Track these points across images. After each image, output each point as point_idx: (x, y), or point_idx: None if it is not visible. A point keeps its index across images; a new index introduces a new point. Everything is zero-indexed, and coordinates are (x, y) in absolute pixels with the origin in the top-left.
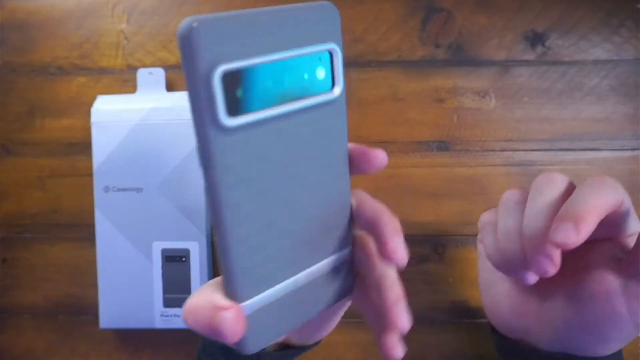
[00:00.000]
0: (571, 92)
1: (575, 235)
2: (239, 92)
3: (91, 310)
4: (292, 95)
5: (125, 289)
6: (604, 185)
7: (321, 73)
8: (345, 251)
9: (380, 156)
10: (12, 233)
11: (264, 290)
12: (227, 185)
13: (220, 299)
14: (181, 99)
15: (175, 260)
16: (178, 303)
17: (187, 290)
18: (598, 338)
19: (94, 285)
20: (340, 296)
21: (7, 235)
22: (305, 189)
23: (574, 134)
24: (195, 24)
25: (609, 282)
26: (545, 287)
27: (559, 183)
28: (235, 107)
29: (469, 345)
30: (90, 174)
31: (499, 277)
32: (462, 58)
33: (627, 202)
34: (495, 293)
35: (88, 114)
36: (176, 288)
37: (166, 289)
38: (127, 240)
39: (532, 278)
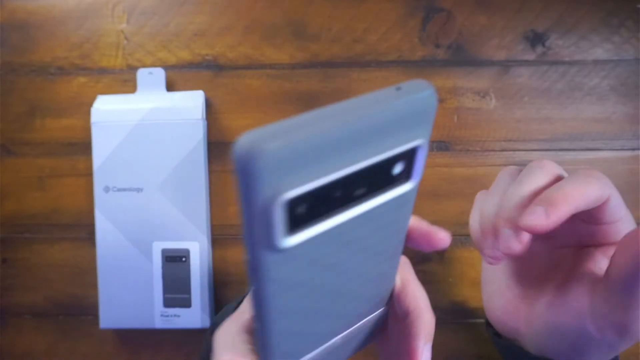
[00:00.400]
0: (571, 92)
1: (544, 220)
2: (301, 210)
3: (91, 310)
4: (359, 198)
5: (125, 289)
6: (588, 178)
7: (398, 168)
8: (382, 310)
9: (443, 240)
10: (12, 233)
11: (299, 359)
12: (273, 293)
13: None
14: (181, 99)
15: (175, 260)
16: (178, 303)
17: (187, 291)
18: (574, 352)
19: (94, 285)
20: (368, 342)
21: (7, 235)
22: (353, 276)
23: (574, 134)
24: (255, 150)
25: (581, 298)
26: (534, 291)
27: (548, 170)
28: (294, 226)
29: (469, 345)
30: (90, 174)
31: (496, 275)
32: (462, 58)
33: (615, 199)
34: (492, 290)
35: (88, 114)
36: (176, 288)
37: (166, 289)
38: (127, 240)
39: (498, 255)
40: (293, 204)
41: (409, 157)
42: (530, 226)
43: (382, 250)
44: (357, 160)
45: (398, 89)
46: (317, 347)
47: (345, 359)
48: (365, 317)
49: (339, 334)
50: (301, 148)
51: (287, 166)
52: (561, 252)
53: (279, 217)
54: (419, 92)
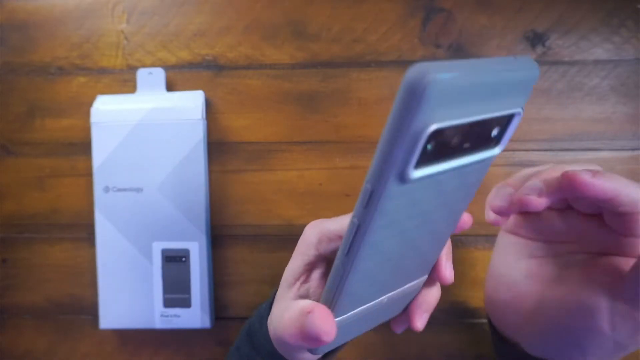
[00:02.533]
0: (571, 92)
1: (589, 177)
2: (430, 147)
3: (91, 310)
4: (465, 150)
5: (125, 289)
6: (634, 182)
7: (495, 132)
8: (424, 277)
9: (467, 222)
10: (12, 233)
11: (355, 309)
12: (377, 226)
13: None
14: (181, 99)
15: (175, 260)
16: (178, 303)
17: (187, 291)
18: (577, 349)
19: (94, 285)
20: (398, 312)
21: (7, 235)
22: (429, 229)
23: (574, 134)
24: (430, 78)
25: (599, 297)
26: (545, 288)
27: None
28: (421, 161)
29: (469, 345)
30: (90, 174)
31: (506, 269)
32: (462, 58)
33: (627, 199)
34: (498, 284)
35: (88, 114)
36: (176, 288)
37: (166, 289)
38: (127, 240)
39: (509, 206)
40: (431, 138)
41: (505, 122)
42: (576, 178)
43: (454, 211)
44: (483, 112)
45: (515, 58)
46: (370, 301)
47: (378, 323)
48: (414, 281)
49: (391, 291)
50: (459, 87)
51: (444, 100)
52: (582, 256)
53: (420, 147)
54: (532, 64)
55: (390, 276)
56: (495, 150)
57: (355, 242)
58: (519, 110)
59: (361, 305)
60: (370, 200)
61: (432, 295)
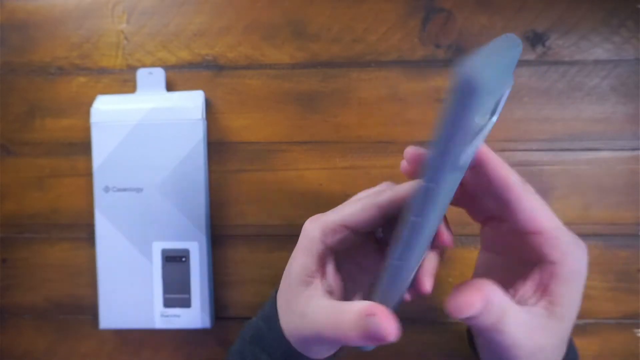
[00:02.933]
0: (571, 92)
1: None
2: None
3: (91, 310)
4: (475, 128)
5: (125, 289)
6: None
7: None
8: (426, 254)
9: (447, 240)
10: (12, 233)
11: (396, 300)
12: (432, 219)
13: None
14: (181, 99)
15: (175, 260)
16: (178, 303)
17: (187, 290)
18: None
19: (94, 285)
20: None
21: (7, 235)
22: (442, 207)
23: (574, 134)
24: (484, 74)
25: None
26: None
27: None
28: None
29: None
30: (90, 174)
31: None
32: (462, 58)
33: (534, 201)
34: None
35: (88, 114)
36: (176, 288)
37: (166, 289)
38: (127, 240)
39: None
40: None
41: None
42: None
43: (453, 189)
44: (501, 91)
45: (506, 36)
46: (405, 289)
47: (398, 303)
48: (422, 259)
49: (413, 273)
50: (493, 73)
51: (487, 89)
52: (520, 268)
53: (473, 137)
54: (515, 39)
55: (417, 263)
56: (493, 120)
57: (413, 240)
58: (512, 82)
59: (402, 294)
60: (430, 196)
61: (433, 261)
